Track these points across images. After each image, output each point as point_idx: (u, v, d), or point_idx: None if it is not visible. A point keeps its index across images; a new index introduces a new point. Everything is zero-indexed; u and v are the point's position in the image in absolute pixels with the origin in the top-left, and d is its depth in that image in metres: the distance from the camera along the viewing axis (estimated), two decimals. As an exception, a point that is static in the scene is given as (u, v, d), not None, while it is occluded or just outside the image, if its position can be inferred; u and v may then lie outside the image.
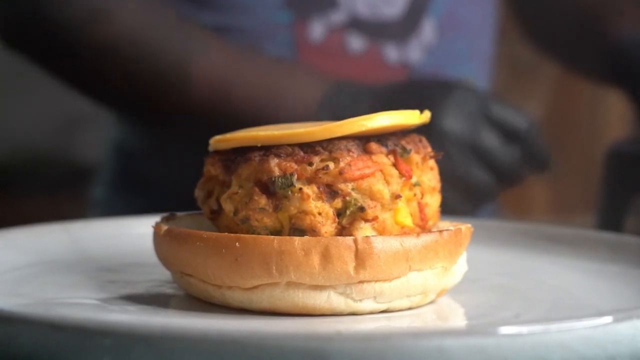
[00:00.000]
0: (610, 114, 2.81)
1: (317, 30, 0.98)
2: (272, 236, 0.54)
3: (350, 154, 0.56)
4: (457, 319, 0.59)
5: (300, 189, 0.55)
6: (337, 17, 0.98)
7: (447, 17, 1.03)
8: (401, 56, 1.01)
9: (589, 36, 1.08)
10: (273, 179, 0.55)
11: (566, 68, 1.17)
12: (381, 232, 0.56)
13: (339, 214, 0.55)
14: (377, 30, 0.99)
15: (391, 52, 1.00)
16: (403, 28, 1.00)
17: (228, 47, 0.94)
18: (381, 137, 0.57)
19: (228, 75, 0.92)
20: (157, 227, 0.60)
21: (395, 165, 0.57)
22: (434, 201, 0.60)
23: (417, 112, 0.59)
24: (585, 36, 1.08)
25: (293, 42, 0.98)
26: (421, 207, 0.58)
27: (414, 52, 1.01)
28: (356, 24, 0.99)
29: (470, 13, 1.07)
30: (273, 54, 0.98)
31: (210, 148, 0.60)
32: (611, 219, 1.00)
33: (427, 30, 1.01)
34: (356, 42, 0.99)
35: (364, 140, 0.57)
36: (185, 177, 1.03)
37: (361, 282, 0.54)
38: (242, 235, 0.55)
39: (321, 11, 0.98)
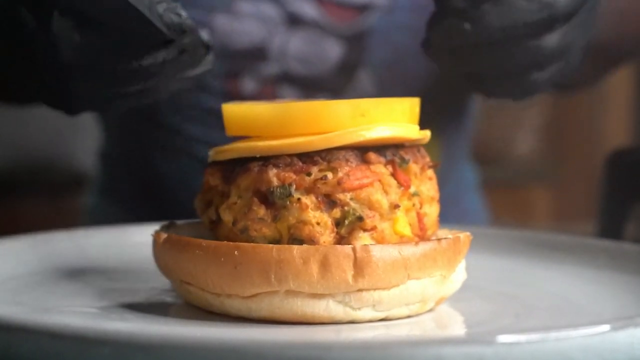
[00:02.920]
0: (610, 122, 2.82)
1: (248, 84, 0.95)
2: (271, 245, 0.54)
3: (349, 164, 0.56)
4: (456, 327, 0.59)
5: (299, 199, 0.55)
6: (269, 70, 0.95)
7: (387, 70, 0.98)
8: None
9: None
10: (272, 189, 0.55)
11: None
12: (380, 241, 0.56)
13: (338, 223, 0.55)
14: (310, 83, 0.96)
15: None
16: (337, 81, 0.96)
17: None
18: (380, 147, 0.57)
19: None
20: (156, 236, 0.60)
21: (393, 175, 0.57)
22: (432, 211, 0.60)
23: (416, 126, 0.59)
24: None
25: (226, 94, 0.95)
26: (420, 217, 0.58)
27: None
28: (288, 77, 0.96)
29: (416, 66, 0.98)
30: (206, 104, 0.96)
31: (210, 159, 0.60)
32: (611, 226, 1.00)
33: (365, 83, 0.98)
34: (289, 95, 0.96)
35: (362, 150, 0.57)
36: (170, 185, 1.01)
37: (360, 290, 0.55)
38: (242, 243, 0.55)
39: (251, 65, 0.95)
